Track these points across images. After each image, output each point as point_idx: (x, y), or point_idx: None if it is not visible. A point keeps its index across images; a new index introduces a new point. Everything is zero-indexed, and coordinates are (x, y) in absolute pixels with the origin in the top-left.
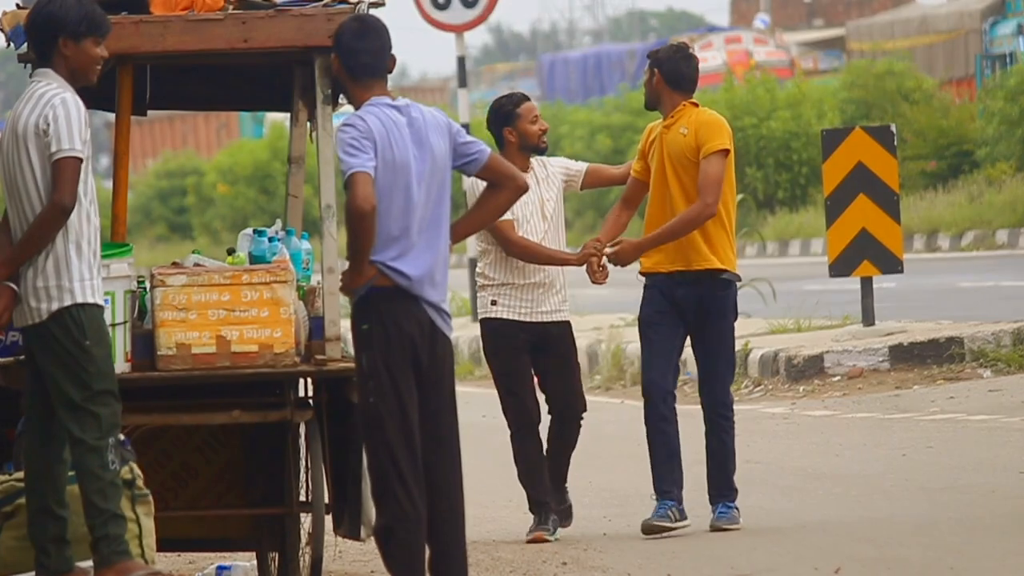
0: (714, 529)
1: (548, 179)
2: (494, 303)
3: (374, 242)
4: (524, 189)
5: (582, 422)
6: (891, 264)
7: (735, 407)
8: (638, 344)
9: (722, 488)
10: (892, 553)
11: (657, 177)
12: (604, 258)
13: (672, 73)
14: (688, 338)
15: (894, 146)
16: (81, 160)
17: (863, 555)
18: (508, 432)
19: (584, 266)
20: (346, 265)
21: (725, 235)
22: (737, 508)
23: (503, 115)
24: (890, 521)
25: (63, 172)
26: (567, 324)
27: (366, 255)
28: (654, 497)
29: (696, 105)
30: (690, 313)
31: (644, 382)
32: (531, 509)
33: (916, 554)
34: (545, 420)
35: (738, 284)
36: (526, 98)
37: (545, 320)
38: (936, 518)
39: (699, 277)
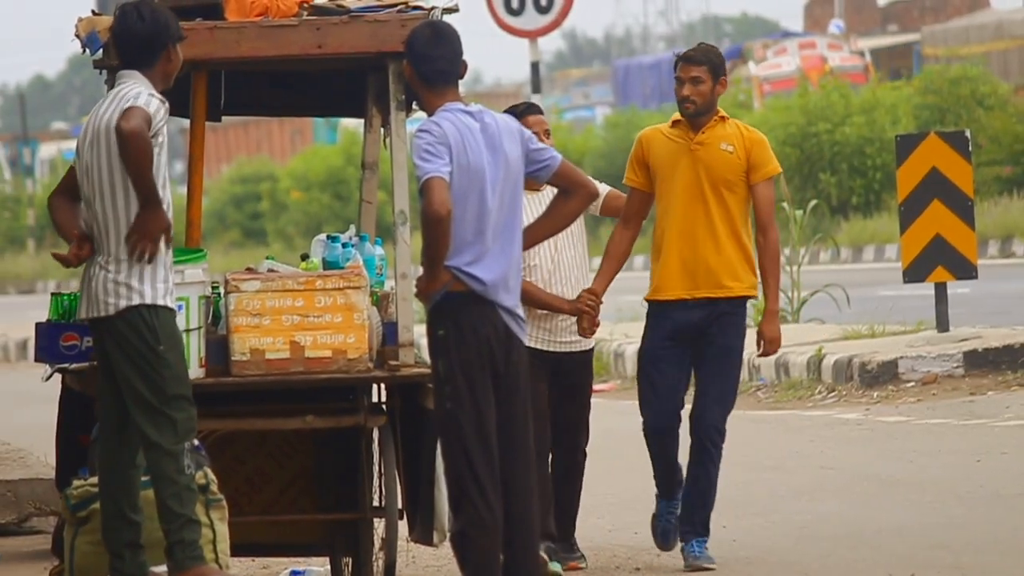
0: (691, 568)
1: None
2: None
3: (450, 247)
4: (595, 196)
5: (585, 457)
6: (965, 270)
7: (809, 413)
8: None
9: (697, 524)
10: (967, 560)
11: (685, 196)
12: (597, 311)
13: (722, 77)
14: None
15: (968, 151)
16: (150, 116)
17: (938, 561)
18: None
19: (576, 316)
20: (420, 271)
21: (749, 256)
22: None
23: None
24: (965, 527)
25: (131, 111)
26: (588, 353)
27: (442, 260)
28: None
29: (724, 118)
30: (700, 335)
31: (643, 419)
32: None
33: (992, 560)
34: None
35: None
36: (534, 109)
37: (563, 350)
38: (1012, 524)
39: (719, 302)
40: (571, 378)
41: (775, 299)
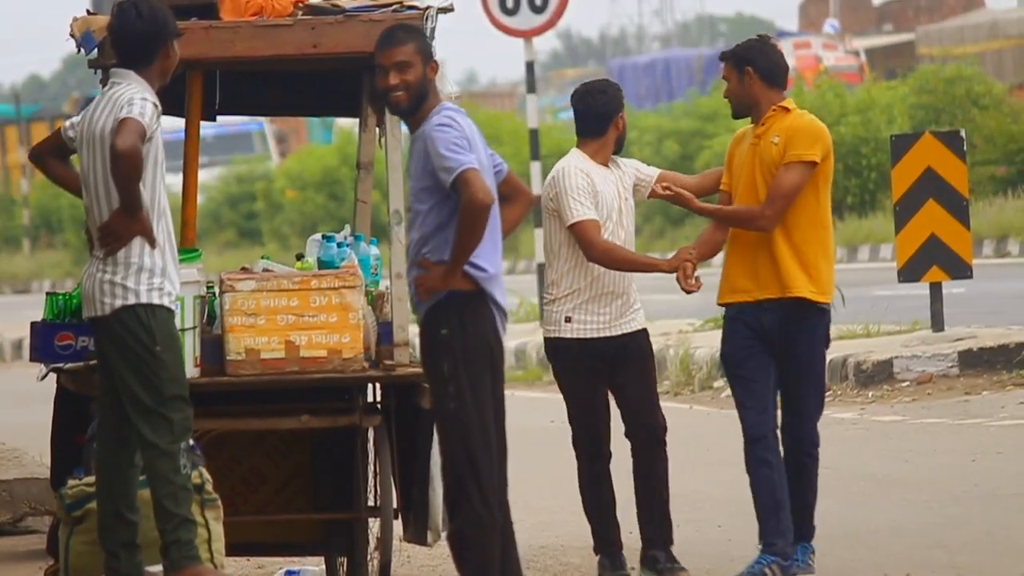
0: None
1: (622, 179)
2: (568, 320)
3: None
4: (533, 203)
5: (666, 447)
6: (960, 269)
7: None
8: (705, 349)
9: (804, 529)
10: (963, 559)
11: (746, 190)
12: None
13: (770, 68)
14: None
15: (963, 151)
16: (145, 129)
17: (934, 561)
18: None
19: (675, 273)
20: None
21: (825, 260)
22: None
23: None
24: (961, 527)
25: (126, 125)
26: (645, 332)
27: (473, 251)
28: (759, 546)
29: (788, 110)
30: (777, 340)
31: (742, 427)
32: (597, 548)
33: (987, 560)
34: (623, 445)
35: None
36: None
37: (625, 331)
38: (1007, 523)
39: (788, 304)
40: (636, 358)
41: (711, 216)
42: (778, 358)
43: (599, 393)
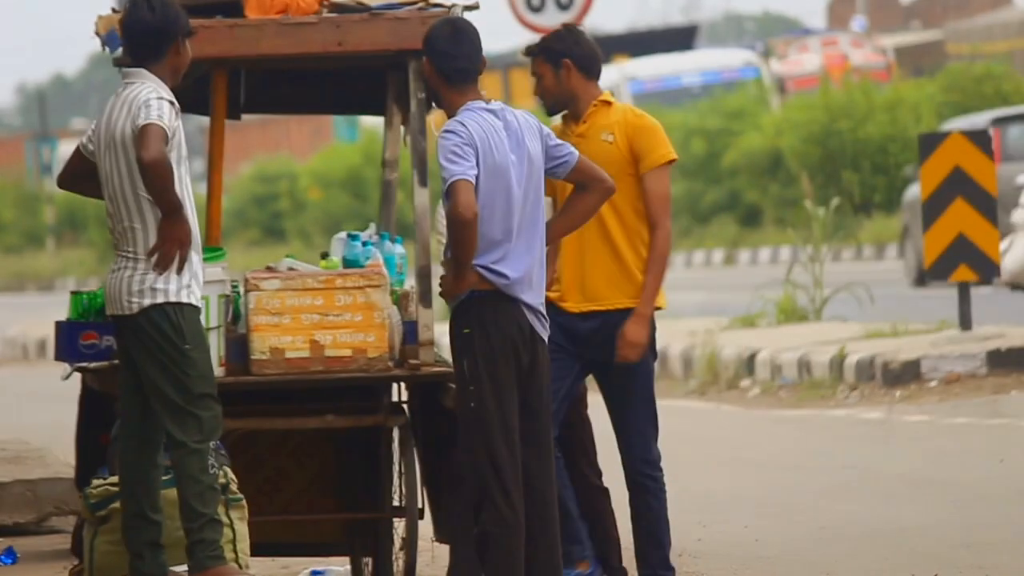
0: None
1: None
2: None
3: (476, 249)
4: (612, 191)
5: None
6: (988, 269)
7: (832, 412)
8: (732, 349)
9: (656, 566)
10: (991, 560)
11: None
12: None
13: (587, 59)
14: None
15: (991, 149)
16: (167, 132)
17: (961, 561)
18: (600, 436)
19: None
20: (442, 271)
21: (641, 263)
22: None
23: None
24: (988, 527)
25: (148, 133)
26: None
27: (469, 262)
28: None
29: (609, 103)
30: (594, 350)
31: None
32: None
33: (1015, 560)
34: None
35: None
36: None
37: None
38: None
39: (610, 314)
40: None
41: (646, 302)
42: (596, 370)
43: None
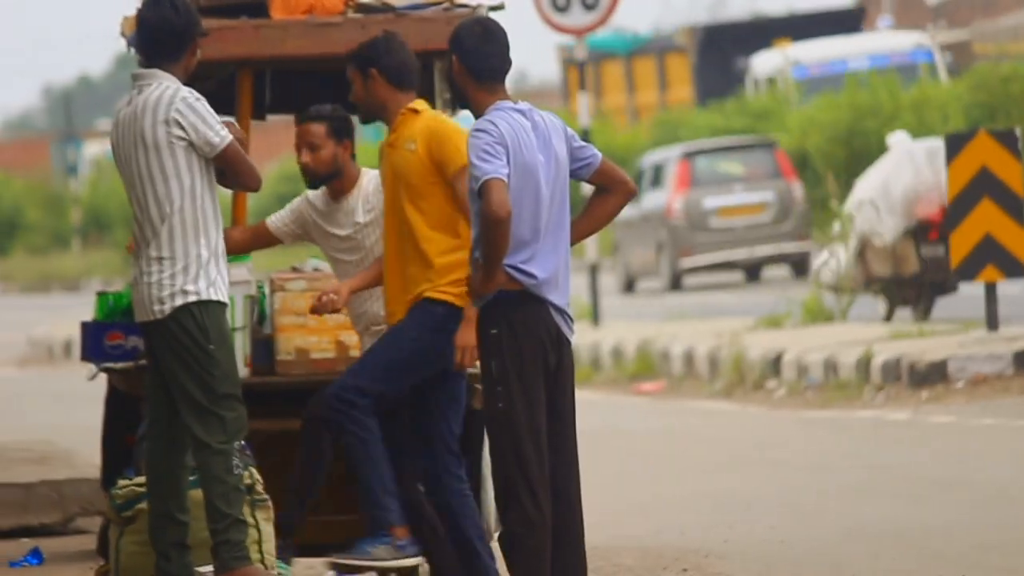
0: None
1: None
2: None
3: (508, 248)
4: (634, 193)
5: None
6: (1016, 268)
7: (858, 413)
8: (758, 350)
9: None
10: (1018, 562)
11: (389, 207)
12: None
13: (397, 68)
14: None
15: (1018, 150)
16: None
17: (988, 563)
18: (627, 437)
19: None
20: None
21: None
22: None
23: None
24: (1016, 529)
25: (236, 157)
26: None
27: (500, 261)
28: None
29: (417, 111)
30: None
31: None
32: None
33: None
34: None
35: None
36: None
37: None
38: None
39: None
40: None
41: (468, 304)
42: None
43: None
